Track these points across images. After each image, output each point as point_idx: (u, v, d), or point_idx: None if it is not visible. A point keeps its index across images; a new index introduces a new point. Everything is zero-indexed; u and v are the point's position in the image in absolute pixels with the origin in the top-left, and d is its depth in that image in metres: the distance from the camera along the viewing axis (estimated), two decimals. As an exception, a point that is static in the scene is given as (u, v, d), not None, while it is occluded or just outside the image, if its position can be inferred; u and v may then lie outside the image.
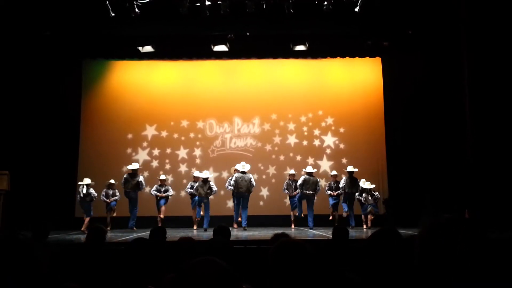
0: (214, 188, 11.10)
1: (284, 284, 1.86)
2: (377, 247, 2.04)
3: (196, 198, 11.08)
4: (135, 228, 10.93)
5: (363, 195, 11.13)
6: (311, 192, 11.08)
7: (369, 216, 10.98)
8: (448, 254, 1.29)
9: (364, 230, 10.60)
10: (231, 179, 11.07)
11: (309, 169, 11.33)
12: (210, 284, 1.41)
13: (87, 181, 11.02)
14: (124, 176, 11.31)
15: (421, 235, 1.39)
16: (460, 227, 1.33)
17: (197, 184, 11.17)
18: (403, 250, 2.07)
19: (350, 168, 11.32)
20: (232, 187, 10.94)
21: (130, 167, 11.37)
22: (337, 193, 11.24)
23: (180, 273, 1.47)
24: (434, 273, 1.30)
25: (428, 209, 10.73)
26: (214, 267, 1.43)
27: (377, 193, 11.28)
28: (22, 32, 10.50)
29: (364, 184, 11.17)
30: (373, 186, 11.27)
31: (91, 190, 10.98)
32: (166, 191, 11.47)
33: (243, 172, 10.92)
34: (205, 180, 11.01)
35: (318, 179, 11.47)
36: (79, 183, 11.21)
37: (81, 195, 10.89)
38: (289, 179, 11.53)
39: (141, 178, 11.33)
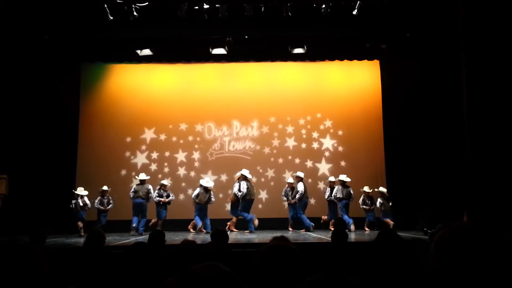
0: (213, 199, 11.32)
1: (269, 285, 1.88)
2: (381, 250, 2.04)
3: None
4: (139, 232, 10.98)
5: (379, 200, 11.31)
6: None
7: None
8: (468, 261, 1.17)
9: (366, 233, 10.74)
10: (240, 187, 11.11)
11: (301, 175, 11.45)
12: None
13: (84, 192, 11.09)
14: (134, 186, 11.30)
15: (438, 242, 1.25)
16: (481, 233, 1.21)
17: (198, 190, 11.23)
18: (406, 253, 2.07)
19: (343, 177, 11.39)
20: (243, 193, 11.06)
21: (140, 177, 11.39)
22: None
23: (184, 277, 1.47)
24: (451, 280, 1.19)
25: (427, 212, 10.74)
26: (217, 272, 1.44)
27: (390, 203, 11.42)
28: (21, 35, 10.49)
29: (380, 188, 11.45)
30: (385, 190, 11.47)
31: (87, 201, 11.07)
32: (168, 196, 11.47)
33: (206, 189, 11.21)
34: (206, 189, 11.16)
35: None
36: (77, 192, 11.11)
37: (79, 206, 10.92)
38: (288, 186, 11.52)
39: (150, 187, 11.39)
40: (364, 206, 11.34)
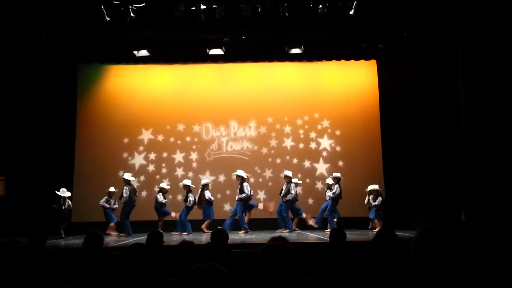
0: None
1: (268, 285, 1.89)
2: (379, 249, 2.05)
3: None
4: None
5: (371, 198, 11.20)
6: None
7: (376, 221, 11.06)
8: (443, 258, 1.18)
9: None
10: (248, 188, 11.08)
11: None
12: None
13: (67, 193, 10.93)
14: (128, 188, 11.17)
15: (415, 240, 1.26)
16: (457, 231, 1.21)
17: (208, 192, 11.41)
18: (402, 252, 2.08)
19: (337, 175, 11.41)
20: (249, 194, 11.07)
21: (129, 177, 11.36)
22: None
23: (181, 278, 1.47)
24: (428, 276, 1.20)
25: (424, 211, 10.76)
26: (215, 273, 1.44)
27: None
28: (18, 36, 10.48)
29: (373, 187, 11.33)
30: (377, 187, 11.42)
31: (69, 202, 10.96)
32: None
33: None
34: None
35: None
36: (62, 194, 10.79)
37: (65, 206, 10.82)
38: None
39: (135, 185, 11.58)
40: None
